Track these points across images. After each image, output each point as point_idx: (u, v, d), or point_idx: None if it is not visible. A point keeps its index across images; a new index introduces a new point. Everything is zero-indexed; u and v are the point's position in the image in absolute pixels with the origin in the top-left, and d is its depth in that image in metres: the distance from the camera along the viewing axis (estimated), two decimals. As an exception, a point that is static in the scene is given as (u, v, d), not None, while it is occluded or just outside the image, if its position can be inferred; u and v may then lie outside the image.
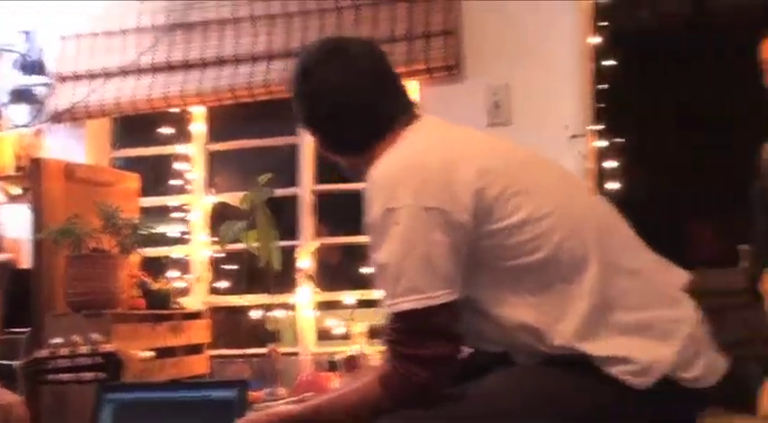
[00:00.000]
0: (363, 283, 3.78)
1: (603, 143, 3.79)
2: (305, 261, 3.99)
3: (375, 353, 3.49)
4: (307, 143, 3.98)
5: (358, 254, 4.02)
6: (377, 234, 1.70)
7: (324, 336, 4.06)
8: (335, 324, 3.97)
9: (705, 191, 5.60)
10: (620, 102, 3.89)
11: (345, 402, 1.76)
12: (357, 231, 4.06)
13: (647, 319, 1.73)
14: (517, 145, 1.91)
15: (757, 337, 4.15)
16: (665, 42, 4.99)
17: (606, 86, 3.82)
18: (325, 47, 1.94)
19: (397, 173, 1.72)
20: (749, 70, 3.41)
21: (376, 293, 3.67)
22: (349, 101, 1.86)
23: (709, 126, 5.58)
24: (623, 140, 3.97)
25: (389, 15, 3.71)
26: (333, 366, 3.57)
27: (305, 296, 3.95)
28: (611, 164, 3.84)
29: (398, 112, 1.88)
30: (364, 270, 3.76)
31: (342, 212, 4.46)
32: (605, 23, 3.81)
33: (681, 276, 1.85)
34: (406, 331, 1.67)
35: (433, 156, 1.74)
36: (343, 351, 3.56)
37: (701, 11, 5.04)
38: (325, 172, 4.06)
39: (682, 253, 2.12)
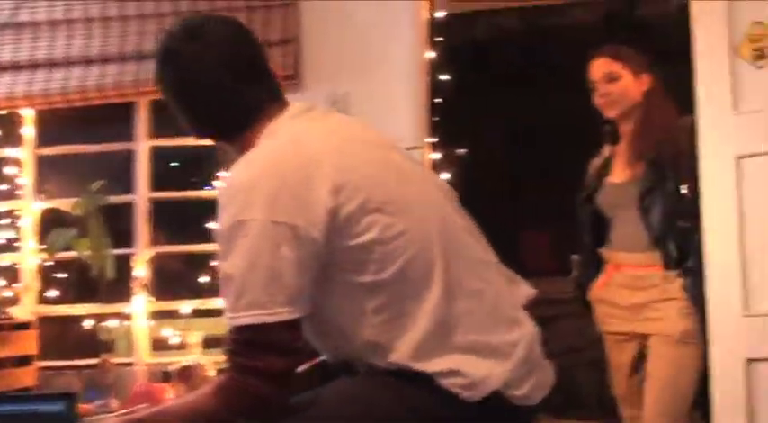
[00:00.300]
0: (201, 291, 3.74)
1: (438, 155, 3.88)
2: (140, 269, 3.92)
3: (210, 363, 3.46)
4: (143, 149, 3.91)
5: (196, 262, 3.99)
6: (225, 244, 1.68)
7: (159, 346, 3.99)
8: (171, 334, 3.91)
9: (540, 201, 5.80)
10: (454, 115, 3.98)
11: (178, 412, 1.73)
12: (194, 240, 4.03)
13: (484, 341, 1.76)
14: (383, 140, 1.88)
15: (587, 345, 4.31)
16: (499, 57, 5.15)
17: (441, 100, 3.90)
18: (186, 27, 1.87)
19: (251, 181, 1.69)
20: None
21: (213, 302, 3.68)
22: (207, 86, 1.82)
23: (541, 140, 5.80)
24: (457, 153, 4.07)
25: (228, 22, 3.69)
26: (167, 377, 3.52)
27: (140, 305, 3.88)
28: (445, 175, 3.93)
29: (265, 100, 1.83)
30: (202, 279, 3.73)
31: (179, 220, 4.43)
32: (441, 38, 3.89)
33: (524, 293, 1.91)
34: (244, 343, 1.66)
35: (290, 164, 1.70)
36: (178, 361, 3.51)
37: (536, 28, 5.22)
38: (162, 179, 4.00)
39: (517, 263, 2.18)
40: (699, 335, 3.17)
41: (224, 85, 1.83)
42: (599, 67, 3.41)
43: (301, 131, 1.79)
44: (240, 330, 1.66)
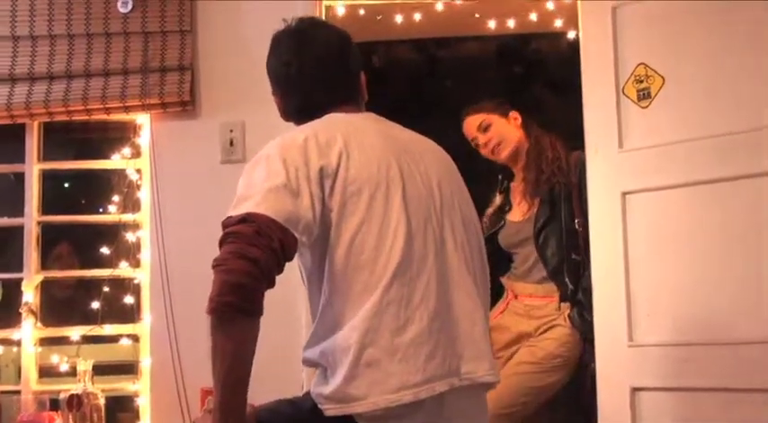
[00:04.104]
0: (91, 318, 3.67)
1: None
2: (29, 295, 3.82)
3: (100, 391, 3.40)
4: (34, 172, 3.81)
5: (88, 288, 3.91)
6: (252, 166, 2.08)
7: (48, 373, 3.90)
8: (60, 361, 3.82)
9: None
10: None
11: None
12: (86, 265, 3.95)
13: None
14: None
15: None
16: (395, 87, 5.20)
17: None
18: (297, 25, 2.27)
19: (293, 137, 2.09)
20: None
21: (104, 329, 3.61)
22: (287, 79, 2.23)
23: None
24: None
25: (124, 47, 3.65)
26: (55, 405, 3.45)
27: (27, 332, 3.78)
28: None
29: (328, 105, 2.20)
30: (93, 305, 3.66)
31: (72, 245, 4.34)
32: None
33: None
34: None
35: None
36: (67, 389, 3.43)
37: (432, 59, 5.29)
38: (53, 203, 3.92)
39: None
40: (567, 363, 3.28)
41: (299, 81, 2.23)
42: (470, 124, 3.57)
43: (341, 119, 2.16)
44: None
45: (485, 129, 3.54)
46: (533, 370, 3.33)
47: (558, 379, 3.33)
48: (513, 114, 3.55)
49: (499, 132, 3.52)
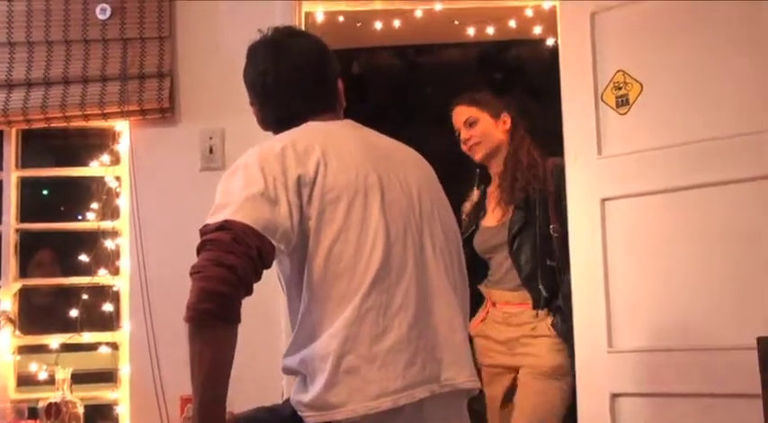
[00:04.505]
0: (70, 326, 3.65)
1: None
2: (6, 303, 3.79)
3: (79, 399, 3.38)
4: (12, 179, 3.79)
5: (66, 295, 3.88)
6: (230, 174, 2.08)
7: (26, 381, 3.87)
8: (38, 369, 3.79)
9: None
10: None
11: None
12: (65, 273, 3.93)
13: None
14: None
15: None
16: (376, 94, 5.21)
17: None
18: (273, 35, 2.28)
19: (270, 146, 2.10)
20: (452, 124, 3.63)
21: (82, 337, 3.59)
22: (265, 89, 2.24)
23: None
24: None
25: (102, 53, 3.63)
26: (33, 414, 3.42)
27: (5, 340, 3.76)
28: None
29: (307, 113, 2.21)
30: (72, 312, 3.64)
31: (54, 252, 4.31)
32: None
33: None
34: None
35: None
36: (45, 397, 3.41)
37: (412, 66, 5.30)
38: (32, 210, 3.90)
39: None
40: (569, 370, 3.27)
41: (278, 90, 2.24)
42: (458, 115, 3.55)
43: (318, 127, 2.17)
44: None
45: (470, 124, 3.52)
46: (550, 385, 3.30)
47: (570, 385, 3.31)
48: (504, 117, 3.52)
49: (483, 132, 3.51)
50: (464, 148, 3.55)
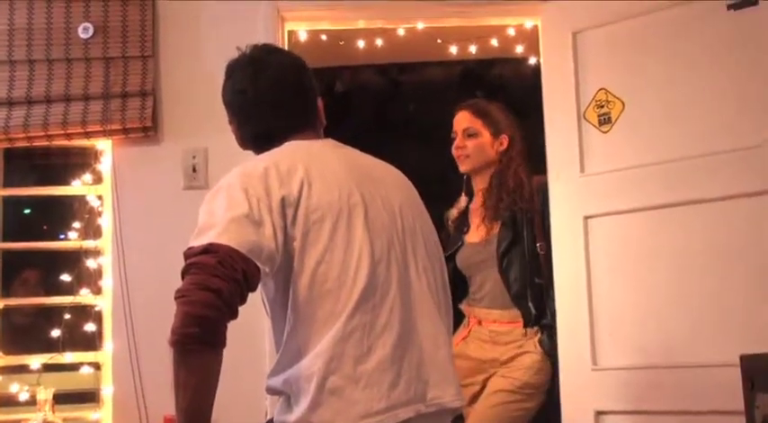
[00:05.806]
0: (53, 346, 3.62)
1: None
2: (-12, 323, 3.77)
3: (61, 420, 3.35)
4: (-5, 199, 3.77)
5: (48, 315, 3.86)
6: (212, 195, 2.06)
7: (7, 402, 3.84)
8: (19, 389, 3.76)
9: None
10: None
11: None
12: (47, 292, 3.91)
13: None
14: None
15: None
16: (359, 111, 5.21)
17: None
18: (251, 52, 2.27)
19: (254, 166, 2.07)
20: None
21: (64, 357, 3.57)
22: (243, 107, 2.23)
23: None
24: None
25: (85, 73, 3.63)
26: (15, 435, 3.40)
27: (-14, 360, 3.73)
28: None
29: (286, 132, 2.19)
30: (54, 332, 3.62)
31: (39, 271, 4.29)
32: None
33: None
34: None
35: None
36: (27, 418, 3.38)
37: (396, 83, 5.32)
38: (14, 229, 3.87)
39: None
40: (540, 390, 3.27)
41: (257, 109, 2.23)
42: (461, 121, 3.51)
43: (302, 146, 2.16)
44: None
45: (468, 135, 3.50)
46: (513, 399, 3.29)
47: (536, 405, 3.31)
48: (503, 138, 3.49)
49: (477, 147, 3.48)
50: (454, 152, 3.53)
